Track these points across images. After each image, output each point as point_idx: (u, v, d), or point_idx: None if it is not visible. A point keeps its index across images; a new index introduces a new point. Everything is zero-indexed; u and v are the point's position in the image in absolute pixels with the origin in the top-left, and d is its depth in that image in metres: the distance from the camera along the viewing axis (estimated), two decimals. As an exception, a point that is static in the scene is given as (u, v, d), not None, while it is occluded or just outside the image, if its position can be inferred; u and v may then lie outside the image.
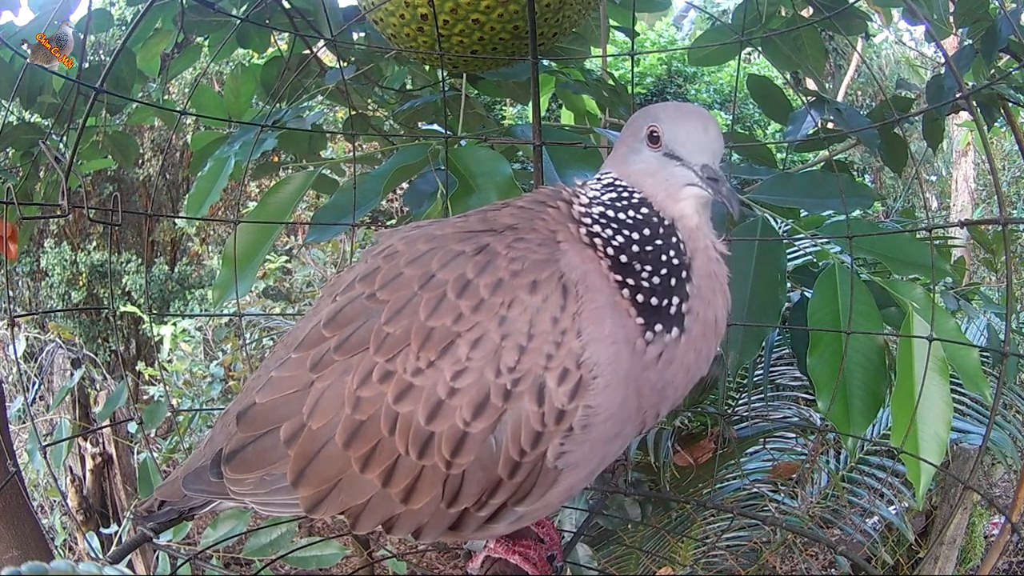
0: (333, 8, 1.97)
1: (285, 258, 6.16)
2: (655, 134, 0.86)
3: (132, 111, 2.45)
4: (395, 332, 0.82)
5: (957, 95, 1.44)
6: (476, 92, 2.21)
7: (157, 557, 2.23)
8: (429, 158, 1.61)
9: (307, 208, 5.93)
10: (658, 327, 0.82)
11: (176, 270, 7.44)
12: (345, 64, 2.03)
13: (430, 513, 0.85)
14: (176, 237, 7.92)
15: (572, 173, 1.48)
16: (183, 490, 1.01)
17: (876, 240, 1.49)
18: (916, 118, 2.43)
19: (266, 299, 5.76)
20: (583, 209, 0.88)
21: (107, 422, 3.18)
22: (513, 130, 1.81)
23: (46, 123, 2.23)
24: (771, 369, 3.24)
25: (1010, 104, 2.14)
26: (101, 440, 4.08)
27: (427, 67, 2.09)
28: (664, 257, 0.84)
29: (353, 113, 1.96)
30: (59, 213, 1.10)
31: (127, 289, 6.98)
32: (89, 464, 4.07)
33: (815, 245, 2.02)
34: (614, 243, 0.84)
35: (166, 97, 3.28)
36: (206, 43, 2.38)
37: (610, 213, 0.86)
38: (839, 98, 6.78)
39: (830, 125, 1.96)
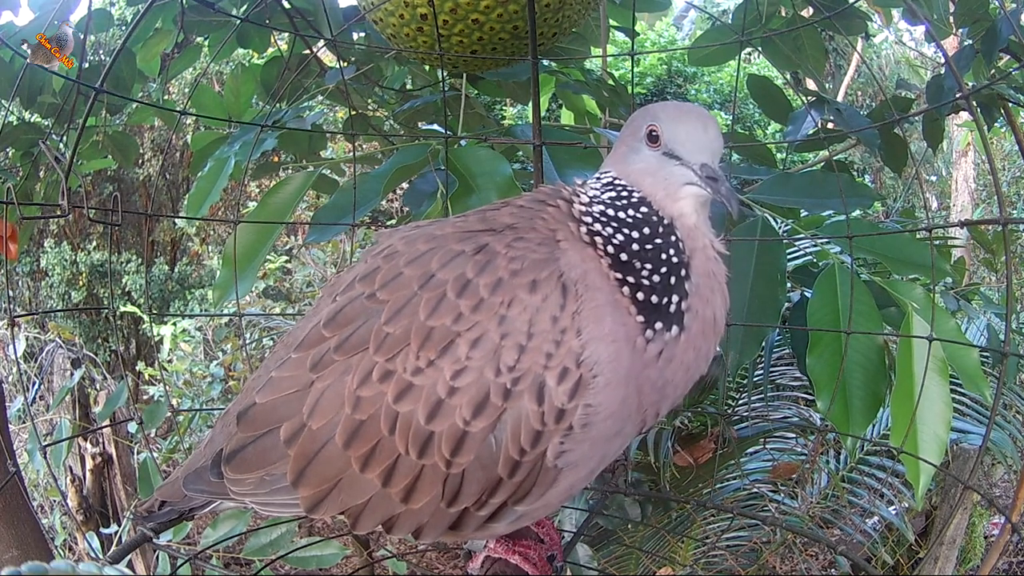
0: (333, 8, 1.97)
1: (285, 258, 6.16)
2: (654, 133, 0.87)
3: (132, 111, 2.45)
4: (395, 332, 0.82)
5: (957, 95, 1.44)
6: (476, 92, 2.20)
7: (157, 557, 2.23)
8: (429, 158, 1.61)
9: (307, 208, 5.93)
10: (658, 325, 0.82)
11: (176, 270, 7.44)
12: (345, 64, 2.03)
13: (430, 513, 0.85)
14: (176, 237, 7.92)
15: (572, 173, 1.48)
16: (183, 490, 1.01)
17: (876, 240, 1.49)
18: (916, 118, 2.43)
19: (266, 299, 5.76)
20: (583, 208, 0.88)
21: (107, 422, 3.18)
22: (513, 130, 1.81)
23: (46, 123, 2.23)
24: (771, 369, 3.24)
25: (1010, 104, 2.14)
26: (101, 440, 4.08)
27: (427, 67, 2.09)
28: (664, 255, 0.84)
29: (353, 113, 1.96)
30: (59, 213, 1.10)
31: (127, 289, 6.98)
32: (89, 464, 4.07)
33: (815, 245, 2.02)
34: (614, 241, 0.84)
35: (166, 97, 3.28)
36: (206, 43, 2.38)
37: (610, 212, 0.86)
38: (839, 98, 6.77)
39: (830, 125, 1.96)
